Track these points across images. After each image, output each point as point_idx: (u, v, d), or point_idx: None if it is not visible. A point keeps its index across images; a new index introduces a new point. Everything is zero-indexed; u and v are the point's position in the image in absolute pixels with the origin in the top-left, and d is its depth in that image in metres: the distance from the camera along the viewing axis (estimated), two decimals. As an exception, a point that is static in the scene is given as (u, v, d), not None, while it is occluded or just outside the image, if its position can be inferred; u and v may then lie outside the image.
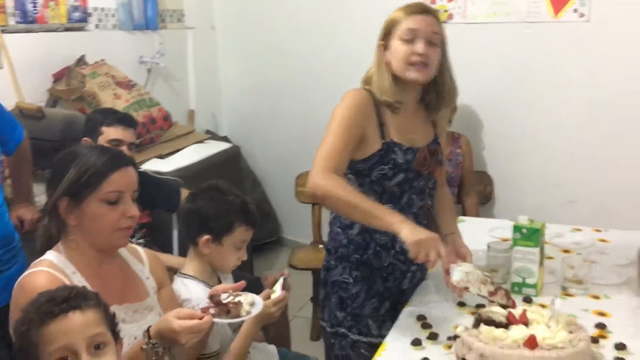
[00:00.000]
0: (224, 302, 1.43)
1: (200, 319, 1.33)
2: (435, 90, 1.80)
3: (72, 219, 1.42)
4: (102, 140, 2.28)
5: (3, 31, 2.83)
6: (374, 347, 1.78)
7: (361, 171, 1.76)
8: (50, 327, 1.12)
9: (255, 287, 1.81)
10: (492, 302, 1.57)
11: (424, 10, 1.74)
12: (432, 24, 1.72)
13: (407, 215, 1.75)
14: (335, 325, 1.88)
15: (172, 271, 1.86)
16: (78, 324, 1.13)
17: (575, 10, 2.90)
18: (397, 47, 1.71)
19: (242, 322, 1.74)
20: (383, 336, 1.78)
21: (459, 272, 1.58)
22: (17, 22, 2.92)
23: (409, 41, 1.69)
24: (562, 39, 2.98)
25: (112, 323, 1.21)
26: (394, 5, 1.79)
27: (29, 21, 2.94)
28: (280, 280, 1.73)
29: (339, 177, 1.65)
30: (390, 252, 1.75)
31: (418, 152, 1.77)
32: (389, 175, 1.75)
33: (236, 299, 1.45)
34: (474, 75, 3.19)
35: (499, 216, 3.17)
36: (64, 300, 1.13)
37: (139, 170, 2.64)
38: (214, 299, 1.43)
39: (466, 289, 1.58)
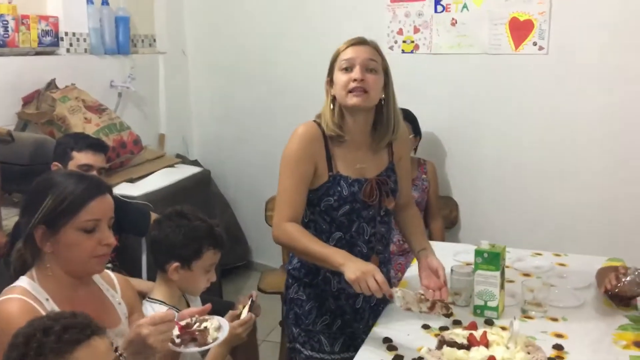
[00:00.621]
0: (190, 330, 1.43)
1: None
2: (379, 119, 1.87)
3: (48, 247, 1.41)
4: (72, 165, 2.28)
5: (-27, 55, 2.83)
6: None
7: (311, 200, 1.86)
8: (78, 353, 1.09)
9: (225, 311, 1.83)
10: (435, 314, 1.69)
11: (360, 41, 1.84)
12: (368, 52, 1.81)
13: (359, 243, 1.87)
14: (292, 341, 1.97)
15: (142, 296, 1.86)
16: (102, 350, 1.12)
17: (534, 44, 3.03)
18: (338, 78, 1.81)
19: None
20: (335, 353, 1.91)
21: (397, 298, 1.66)
22: (-13, 46, 2.92)
23: (347, 70, 1.79)
24: (522, 70, 3.10)
25: (112, 345, 1.20)
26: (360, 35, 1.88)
27: (-1, 45, 2.95)
28: (248, 303, 1.76)
29: (294, 224, 1.80)
30: (341, 277, 1.76)
31: (365, 183, 1.84)
32: (334, 206, 1.84)
33: (202, 325, 1.46)
34: (438, 103, 3.31)
35: (464, 240, 3.25)
36: (86, 326, 1.11)
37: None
38: (180, 325, 1.44)
39: (409, 309, 1.68)
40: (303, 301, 1.94)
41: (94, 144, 2.36)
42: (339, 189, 1.83)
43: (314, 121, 1.88)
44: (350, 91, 1.77)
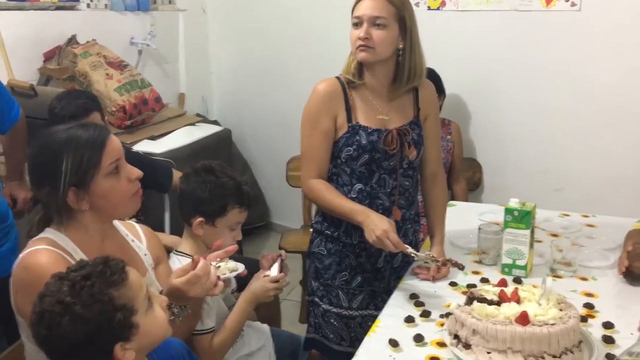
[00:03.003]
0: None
1: (194, 268, 1.39)
2: (399, 69, 1.86)
3: (84, 205, 1.38)
4: None
5: (-6, 8, 2.81)
6: (343, 319, 1.94)
7: (333, 152, 1.88)
8: (130, 279, 1.14)
9: (248, 267, 1.83)
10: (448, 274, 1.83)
11: None
12: (377, 7, 1.78)
13: (380, 195, 1.87)
14: (311, 294, 2.00)
15: (167, 250, 1.86)
16: (140, 277, 1.20)
17: (567, 0, 2.93)
18: (350, 33, 1.83)
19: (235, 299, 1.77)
20: (352, 309, 1.93)
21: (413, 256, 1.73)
22: (9, 0, 2.89)
23: (357, 25, 1.80)
24: (553, 28, 3.00)
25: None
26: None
27: (20, -1, 2.92)
28: (278, 261, 1.76)
29: (319, 181, 1.86)
30: (362, 231, 1.76)
31: (386, 132, 1.84)
32: (354, 156, 1.84)
33: (218, 264, 1.50)
34: (465, 62, 3.23)
35: (487, 202, 3.21)
36: (119, 260, 1.16)
37: (132, 150, 2.64)
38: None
39: (428, 269, 1.81)
40: (323, 256, 1.96)
41: (75, 114, 2.10)
42: (358, 138, 1.83)
43: (336, 77, 1.89)
44: (357, 47, 1.79)
